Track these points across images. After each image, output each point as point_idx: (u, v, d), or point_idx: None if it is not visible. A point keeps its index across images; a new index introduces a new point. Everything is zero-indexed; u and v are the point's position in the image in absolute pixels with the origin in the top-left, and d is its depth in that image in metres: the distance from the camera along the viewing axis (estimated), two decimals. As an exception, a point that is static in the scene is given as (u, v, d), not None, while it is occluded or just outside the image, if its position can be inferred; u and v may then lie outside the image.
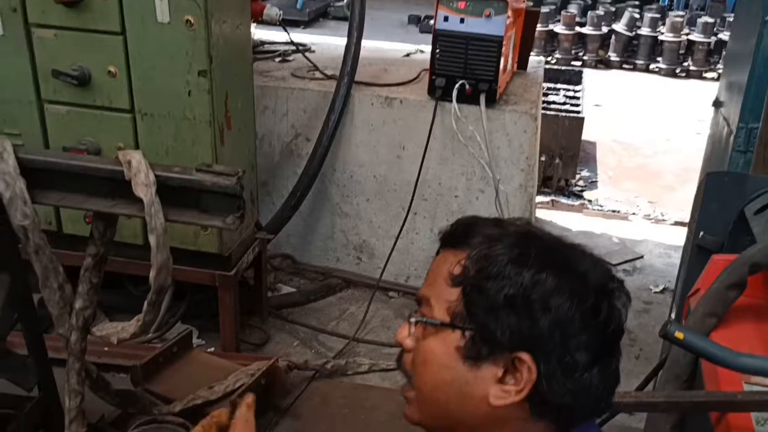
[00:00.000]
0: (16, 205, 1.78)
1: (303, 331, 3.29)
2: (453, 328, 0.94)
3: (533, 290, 0.90)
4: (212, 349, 3.01)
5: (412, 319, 1.00)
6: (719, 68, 8.36)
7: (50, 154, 1.90)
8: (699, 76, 8.79)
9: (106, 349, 2.85)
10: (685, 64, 8.92)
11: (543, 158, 5.07)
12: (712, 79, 8.38)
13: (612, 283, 0.95)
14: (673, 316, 2.20)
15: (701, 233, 1.99)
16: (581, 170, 5.65)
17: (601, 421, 1.29)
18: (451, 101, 3.20)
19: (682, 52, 8.97)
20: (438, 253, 1.04)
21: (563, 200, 5.23)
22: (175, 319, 3.15)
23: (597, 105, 7.02)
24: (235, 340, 2.98)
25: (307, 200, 3.49)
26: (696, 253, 2.00)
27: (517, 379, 0.91)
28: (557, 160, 5.27)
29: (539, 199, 4.90)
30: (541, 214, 4.69)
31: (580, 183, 5.51)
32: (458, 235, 1.00)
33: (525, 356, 0.90)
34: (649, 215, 5.04)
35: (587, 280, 0.92)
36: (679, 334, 1.24)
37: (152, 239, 1.78)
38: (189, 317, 3.18)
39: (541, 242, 0.97)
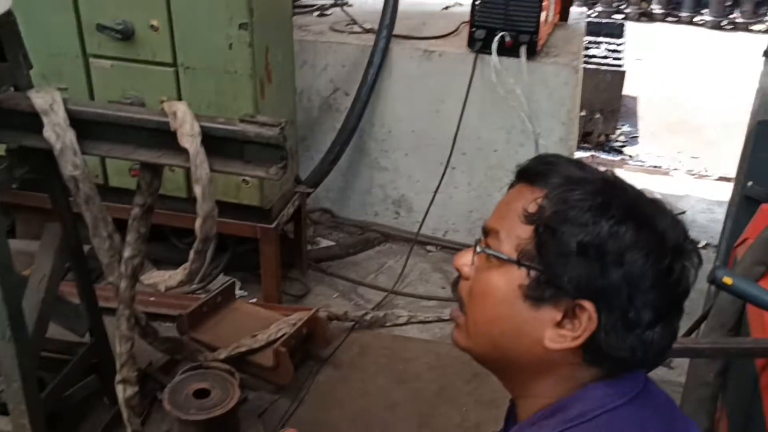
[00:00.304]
0: (67, 156, 1.83)
1: (342, 283, 3.33)
2: (519, 266, 0.93)
3: (609, 241, 0.87)
4: (254, 299, 3.07)
5: (479, 249, 0.98)
6: (768, 20, 8.07)
7: (98, 106, 1.94)
8: (746, 28, 8.48)
9: (152, 299, 2.94)
10: (732, 16, 8.61)
11: (583, 113, 4.98)
12: (760, 31, 8.09)
13: (687, 243, 0.93)
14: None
15: (749, 183, 1.95)
16: (622, 125, 5.54)
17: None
18: (490, 54, 3.15)
19: (728, 3, 8.66)
20: (512, 185, 1.01)
21: (603, 156, 5.15)
22: (218, 270, 3.21)
23: (639, 59, 6.84)
24: (277, 292, 3.03)
25: (345, 155, 3.49)
26: (743, 203, 1.97)
27: (575, 325, 0.90)
28: (597, 115, 5.18)
29: (578, 154, 4.83)
30: (581, 169, 4.63)
31: (621, 138, 5.41)
32: (538, 171, 0.97)
33: (588, 305, 0.89)
34: (691, 170, 4.94)
35: (665, 238, 0.90)
36: (728, 280, 1.23)
37: (197, 189, 1.81)
38: (231, 269, 3.24)
39: (624, 193, 0.93)
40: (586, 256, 0.88)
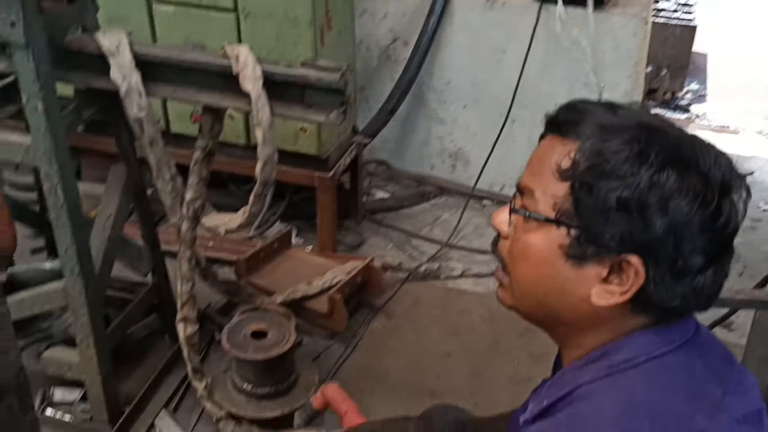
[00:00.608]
0: (132, 98, 1.86)
1: (396, 235, 3.34)
2: (558, 225, 0.88)
3: (650, 192, 0.82)
4: (310, 247, 3.10)
5: (515, 209, 0.95)
6: None
7: (163, 48, 1.95)
8: (829, -18, 8.02)
9: (210, 244, 3.00)
10: (814, -32, 8.15)
11: (649, 69, 4.81)
12: (844, -15, 7.62)
13: (734, 178, 0.87)
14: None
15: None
16: (689, 83, 5.34)
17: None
18: (555, 3, 3.06)
19: (811, -45, 8.18)
20: (542, 137, 0.96)
21: (669, 114, 4.98)
22: (275, 218, 3.25)
23: (710, 14, 6.55)
24: (332, 240, 3.06)
25: (403, 106, 3.46)
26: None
27: (622, 280, 0.87)
28: (664, 71, 4.99)
29: (642, 111, 4.68)
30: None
31: (688, 96, 5.22)
32: (568, 121, 0.91)
33: (634, 259, 0.85)
34: (761, 131, 4.75)
35: (710, 178, 0.84)
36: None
37: (258, 133, 1.82)
38: (288, 218, 3.27)
39: (663, 137, 0.86)
40: (627, 210, 0.83)
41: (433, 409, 1.34)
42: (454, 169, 3.65)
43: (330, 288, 2.58)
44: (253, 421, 2.17)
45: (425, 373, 2.53)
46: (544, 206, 0.90)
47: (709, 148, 0.89)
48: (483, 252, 3.21)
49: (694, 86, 5.37)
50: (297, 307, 2.57)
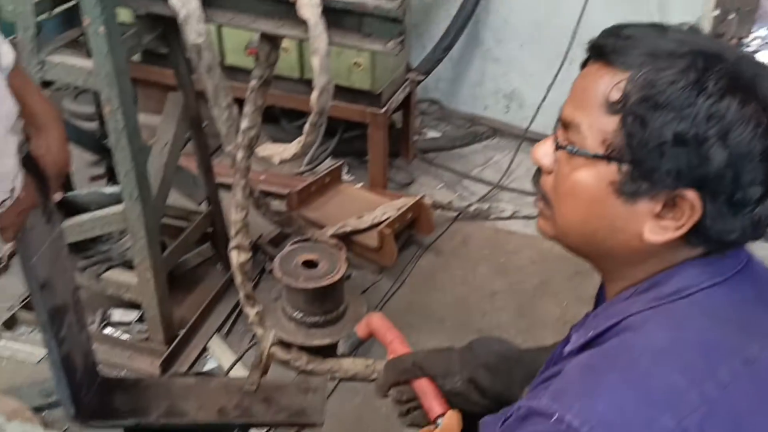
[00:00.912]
0: (191, 24, 1.86)
1: (447, 175, 3.32)
2: (608, 161, 0.84)
3: (709, 125, 0.78)
4: (361, 184, 3.11)
5: (561, 145, 0.90)
6: None
7: (221, -27, 1.94)
8: None
9: (262, 177, 3.04)
10: None
11: (717, 12, 4.61)
12: None
13: None
14: None
15: None
16: (758, 28, 5.10)
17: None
18: (623, -63, 2.93)
19: None
20: (585, 64, 0.90)
21: (733, 60, 4.79)
22: (326, 154, 3.26)
23: (785, -45, 6.20)
24: (383, 178, 3.06)
25: (458, 45, 3.39)
26: None
27: (676, 215, 0.83)
28: (732, 15, 4.78)
29: (706, 57, 4.50)
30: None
31: (756, 42, 4.99)
32: (617, 48, 0.85)
33: (690, 194, 0.81)
34: (833, 80, 4.54)
35: None
36: None
37: (315, 61, 1.80)
38: (338, 155, 3.28)
39: (721, 62, 0.80)
40: (684, 145, 0.79)
41: (477, 340, 1.34)
42: (508, 110, 3.59)
43: (380, 223, 2.60)
44: (301, 348, 2.22)
45: (472, 310, 2.54)
46: (593, 141, 0.86)
47: (766, 69, 0.84)
48: (535, 194, 3.16)
49: (762, 32, 5.13)
50: (347, 241, 2.59)
